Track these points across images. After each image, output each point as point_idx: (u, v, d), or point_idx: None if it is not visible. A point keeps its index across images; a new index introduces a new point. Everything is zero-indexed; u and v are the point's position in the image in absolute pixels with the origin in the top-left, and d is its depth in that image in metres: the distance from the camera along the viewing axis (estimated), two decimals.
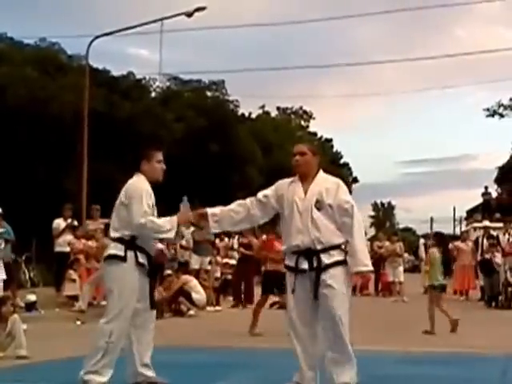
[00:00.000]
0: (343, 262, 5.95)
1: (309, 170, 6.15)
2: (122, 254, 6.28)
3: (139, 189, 6.34)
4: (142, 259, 6.32)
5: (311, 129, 65.48)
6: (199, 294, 15.65)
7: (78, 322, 12.65)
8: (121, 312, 6.24)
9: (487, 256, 18.20)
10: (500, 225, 22.45)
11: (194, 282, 15.84)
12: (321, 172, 6.22)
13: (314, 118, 65.94)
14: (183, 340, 10.49)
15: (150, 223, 6.24)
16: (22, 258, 19.52)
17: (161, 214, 6.46)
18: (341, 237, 5.97)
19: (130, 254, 6.28)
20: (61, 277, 15.69)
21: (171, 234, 6.32)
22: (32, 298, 14.51)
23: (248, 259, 17.58)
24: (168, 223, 6.30)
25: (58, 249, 16.27)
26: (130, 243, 6.30)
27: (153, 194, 6.46)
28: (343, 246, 6.04)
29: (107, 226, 8.41)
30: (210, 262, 18.05)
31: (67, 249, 15.94)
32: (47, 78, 31.28)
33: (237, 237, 20.24)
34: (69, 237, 16.07)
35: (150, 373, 6.35)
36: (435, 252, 12.05)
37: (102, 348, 6.17)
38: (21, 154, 28.03)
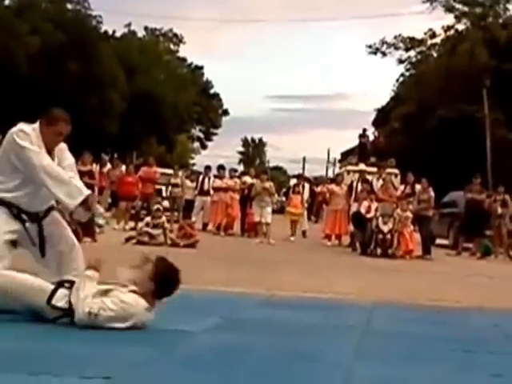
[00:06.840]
0: None
1: None
2: None
3: None
4: None
5: (181, 54, 64.91)
6: None
7: None
8: None
9: (362, 210, 18.60)
10: (375, 169, 23.18)
11: None
12: None
13: (184, 43, 65.30)
14: None
15: None
16: None
17: None
18: None
19: None
20: None
21: None
22: None
23: None
24: None
25: None
26: None
27: None
28: None
29: None
30: None
31: None
32: None
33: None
34: None
35: None
36: None
37: None
38: None
